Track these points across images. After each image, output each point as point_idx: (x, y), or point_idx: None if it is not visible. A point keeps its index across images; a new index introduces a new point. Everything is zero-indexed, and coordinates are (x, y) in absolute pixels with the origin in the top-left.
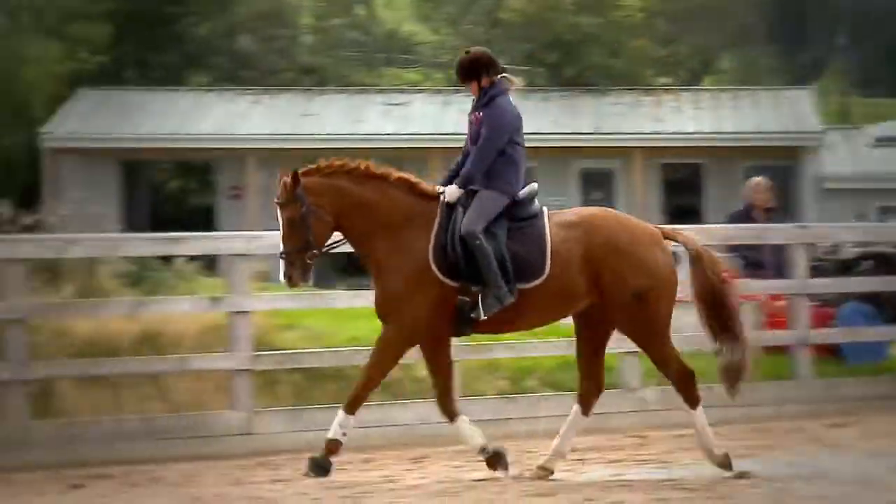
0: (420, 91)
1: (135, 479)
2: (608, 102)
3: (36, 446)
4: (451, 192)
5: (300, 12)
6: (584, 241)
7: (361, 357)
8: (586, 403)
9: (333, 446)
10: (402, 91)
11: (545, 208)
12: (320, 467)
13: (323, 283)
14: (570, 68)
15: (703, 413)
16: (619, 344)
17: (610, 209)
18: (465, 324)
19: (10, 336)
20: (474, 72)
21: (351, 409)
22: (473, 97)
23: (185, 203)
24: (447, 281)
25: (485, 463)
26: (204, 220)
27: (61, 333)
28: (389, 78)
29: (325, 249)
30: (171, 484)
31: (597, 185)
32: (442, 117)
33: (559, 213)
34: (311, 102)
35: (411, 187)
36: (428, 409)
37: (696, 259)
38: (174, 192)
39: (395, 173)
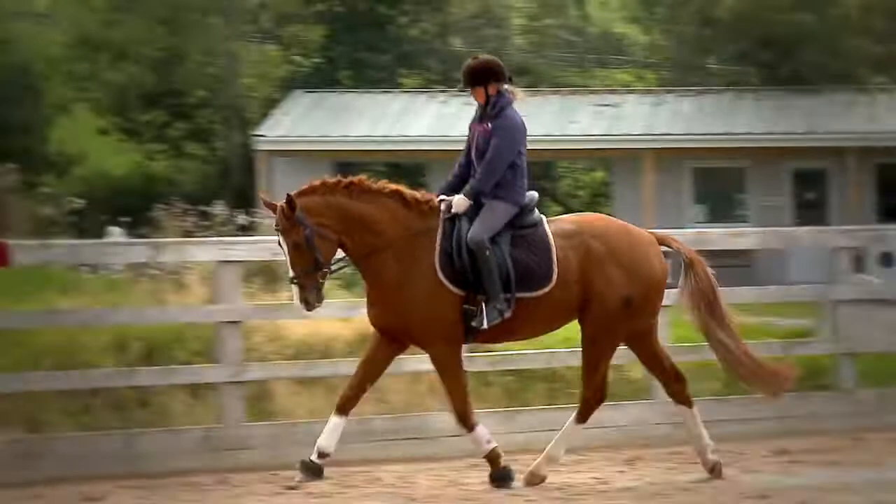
0: (631, 91)
1: (351, 481)
2: (822, 102)
3: (252, 448)
4: (460, 202)
5: (512, 13)
6: (583, 248)
7: (575, 358)
8: (683, 400)
9: (494, 454)
10: (613, 92)
11: (544, 216)
12: (502, 478)
13: None
14: (783, 67)
15: (578, 429)
16: (835, 346)
17: (605, 215)
18: (468, 332)
19: (226, 338)
20: (483, 78)
21: (469, 426)
22: (479, 105)
23: None
24: (453, 289)
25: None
26: None
27: (277, 335)
28: (601, 78)
29: (335, 269)
30: (387, 485)
31: (809, 186)
32: (653, 118)
33: (556, 220)
34: (523, 104)
35: (406, 200)
36: (642, 411)
37: (690, 265)
38: None
39: (389, 186)
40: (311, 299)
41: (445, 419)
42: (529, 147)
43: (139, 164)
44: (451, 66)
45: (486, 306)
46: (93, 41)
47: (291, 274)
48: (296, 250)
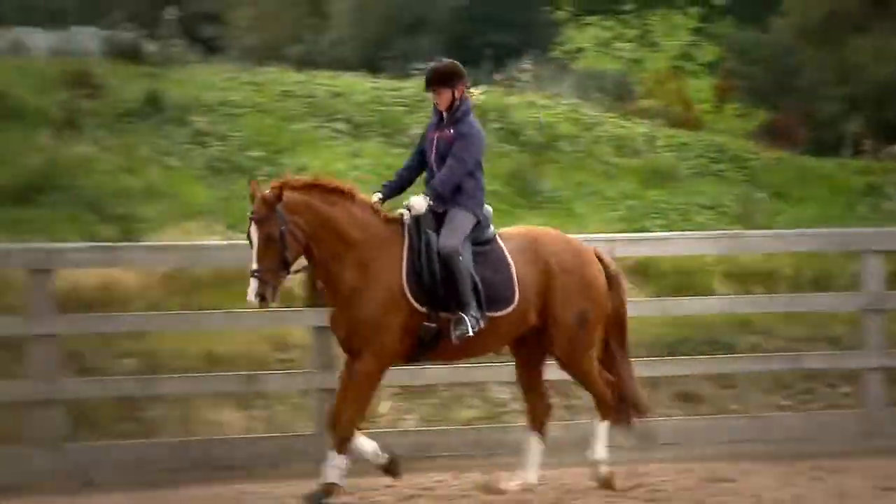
0: None
1: None
2: None
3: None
4: (418, 202)
5: None
6: (535, 264)
7: None
8: (540, 427)
9: (331, 489)
10: None
11: (497, 232)
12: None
13: None
14: None
15: (607, 426)
16: None
17: (549, 228)
18: (424, 351)
19: (870, 326)
20: (450, 80)
21: (342, 449)
22: (439, 111)
23: None
24: (418, 307)
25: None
26: None
27: None
28: None
29: (294, 271)
30: None
31: None
32: None
33: (506, 235)
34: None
35: (373, 209)
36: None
37: (612, 282)
38: None
39: (359, 193)
40: (268, 295)
41: None
42: None
43: None
44: None
45: (465, 315)
46: None
47: (255, 267)
48: (267, 243)
